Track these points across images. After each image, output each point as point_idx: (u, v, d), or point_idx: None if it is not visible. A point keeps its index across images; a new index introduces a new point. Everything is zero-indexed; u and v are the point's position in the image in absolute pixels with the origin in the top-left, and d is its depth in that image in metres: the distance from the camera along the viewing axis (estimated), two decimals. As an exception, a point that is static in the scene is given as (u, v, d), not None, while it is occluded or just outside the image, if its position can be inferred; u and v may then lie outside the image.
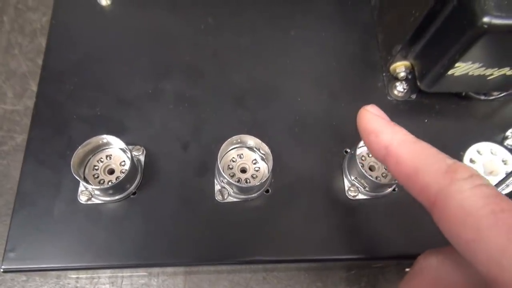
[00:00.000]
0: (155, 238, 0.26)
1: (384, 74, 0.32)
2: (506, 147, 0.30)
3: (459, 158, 0.30)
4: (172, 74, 0.31)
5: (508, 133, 0.31)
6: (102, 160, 0.27)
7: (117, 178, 0.26)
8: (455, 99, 0.32)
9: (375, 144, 0.22)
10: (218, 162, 0.26)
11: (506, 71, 0.26)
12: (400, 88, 0.31)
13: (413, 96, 0.32)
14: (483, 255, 0.16)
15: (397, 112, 0.31)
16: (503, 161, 0.30)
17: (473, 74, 0.27)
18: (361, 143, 0.27)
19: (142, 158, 0.28)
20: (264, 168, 0.28)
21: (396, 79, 0.31)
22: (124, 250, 0.26)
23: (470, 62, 0.25)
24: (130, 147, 0.28)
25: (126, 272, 0.31)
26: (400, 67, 0.31)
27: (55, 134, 0.29)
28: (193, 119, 0.30)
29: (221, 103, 0.30)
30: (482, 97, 0.31)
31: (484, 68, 0.26)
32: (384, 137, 0.21)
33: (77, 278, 0.33)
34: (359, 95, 0.32)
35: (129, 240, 0.26)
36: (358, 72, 0.33)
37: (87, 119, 0.29)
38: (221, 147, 0.26)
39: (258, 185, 0.26)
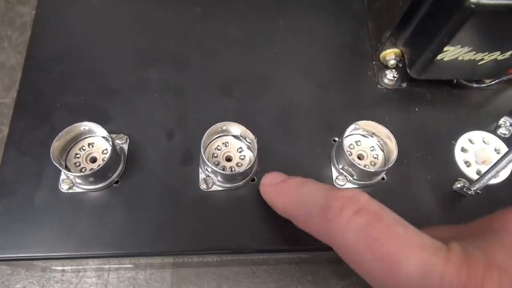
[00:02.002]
0: (138, 227, 0.25)
1: (374, 62, 0.32)
2: (499, 136, 0.30)
3: (451, 147, 0.29)
4: (158, 63, 0.31)
5: (501, 121, 0.30)
6: (84, 148, 0.27)
7: (98, 166, 0.25)
8: (447, 87, 0.31)
9: (280, 214, 0.23)
10: (202, 150, 0.25)
11: (496, 55, 0.26)
12: (390, 76, 0.30)
13: (404, 85, 0.31)
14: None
15: (387, 101, 0.31)
16: (495, 150, 0.29)
17: (463, 59, 0.26)
18: (349, 131, 0.27)
19: (125, 146, 0.27)
20: (249, 156, 0.27)
21: (386, 67, 0.31)
22: (107, 239, 0.25)
23: (459, 46, 0.25)
24: (114, 135, 0.27)
25: (113, 265, 0.31)
26: (389, 54, 0.30)
27: (38, 123, 0.28)
28: (179, 108, 0.29)
29: (208, 92, 0.30)
30: (475, 85, 0.30)
31: (474, 53, 0.25)
32: (278, 206, 0.23)
33: (63, 271, 0.33)
34: (348, 84, 0.31)
35: (112, 229, 0.25)
36: (348, 61, 0.32)
37: (71, 108, 0.29)
38: (205, 134, 0.25)
39: (242, 172, 0.25)
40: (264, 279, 0.34)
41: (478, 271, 0.15)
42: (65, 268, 0.31)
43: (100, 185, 0.26)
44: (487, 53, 0.25)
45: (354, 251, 0.18)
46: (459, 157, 0.29)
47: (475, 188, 0.26)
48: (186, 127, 0.29)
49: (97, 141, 0.27)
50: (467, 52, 0.25)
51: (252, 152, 0.27)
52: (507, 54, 0.26)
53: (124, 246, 0.25)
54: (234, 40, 0.32)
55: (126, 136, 0.28)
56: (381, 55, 0.31)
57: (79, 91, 0.29)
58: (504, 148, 0.29)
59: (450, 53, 0.25)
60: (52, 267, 0.29)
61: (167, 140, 0.28)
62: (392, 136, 0.26)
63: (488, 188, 0.28)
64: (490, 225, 0.17)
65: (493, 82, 0.30)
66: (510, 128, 0.30)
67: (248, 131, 0.26)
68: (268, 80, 0.31)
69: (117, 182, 0.26)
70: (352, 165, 0.26)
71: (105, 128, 0.26)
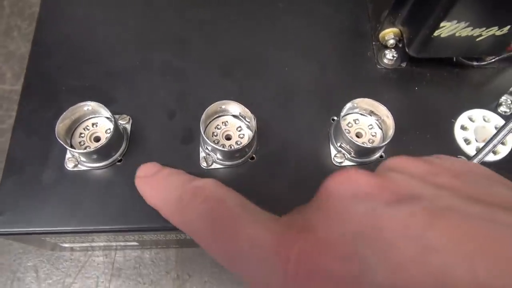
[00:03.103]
0: (140, 203, 0.26)
1: (373, 43, 0.32)
2: (500, 114, 0.29)
3: (450, 125, 0.29)
4: (159, 45, 0.31)
5: (502, 99, 0.30)
6: (88, 128, 0.27)
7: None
8: (447, 66, 0.31)
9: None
10: (201, 128, 0.26)
11: (494, 31, 0.26)
12: (389, 56, 0.31)
13: (403, 64, 0.31)
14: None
15: (387, 81, 0.31)
16: (496, 127, 0.29)
17: (460, 35, 0.26)
18: (346, 109, 0.27)
19: (128, 126, 0.28)
20: (248, 135, 0.28)
21: (386, 47, 0.31)
22: (111, 214, 0.26)
23: (456, 21, 0.25)
24: (117, 116, 0.28)
25: (120, 242, 0.32)
26: (388, 34, 0.30)
27: (45, 104, 0.29)
28: (180, 89, 0.30)
29: (208, 73, 0.31)
30: (475, 63, 0.30)
31: (471, 28, 0.25)
32: (147, 199, 0.23)
33: (71, 250, 0.34)
34: (347, 65, 0.31)
35: (116, 205, 0.26)
36: (348, 42, 0.32)
37: (76, 91, 0.30)
38: (204, 112, 0.26)
39: (240, 149, 0.26)
40: (266, 259, 0.35)
41: (291, 235, 0.15)
42: (73, 246, 0.32)
43: (103, 163, 0.27)
44: (484, 28, 0.25)
45: (201, 235, 0.19)
46: (459, 135, 0.29)
47: (472, 164, 0.26)
48: (187, 107, 0.29)
49: (100, 121, 0.28)
50: (464, 28, 0.25)
51: (251, 131, 0.27)
52: (505, 30, 0.25)
53: (127, 221, 0.26)
54: (234, 21, 0.32)
55: (128, 117, 0.28)
56: (380, 35, 0.31)
57: (84, 74, 0.30)
58: (504, 126, 0.29)
59: (447, 29, 0.25)
60: (60, 244, 0.30)
61: (169, 120, 0.29)
62: (390, 113, 0.26)
63: (488, 165, 0.28)
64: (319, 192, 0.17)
65: (493, 60, 0.30)
66: (511, 106, 0.30)
67: (247, 110, 0.27)
68: (268, 61, 0.31)
69: (120, 160, 0.27)
70: (349, 142, 0.26)
71: (108, 109, 0.27)
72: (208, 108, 0.26)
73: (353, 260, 0.13)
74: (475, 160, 0.25)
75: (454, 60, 0.30)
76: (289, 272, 0.14)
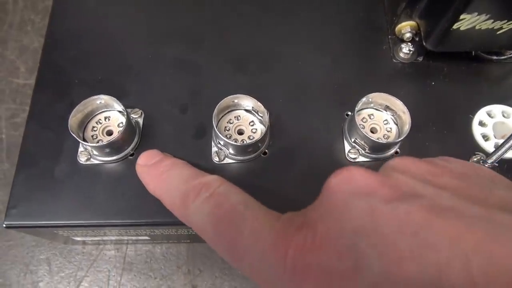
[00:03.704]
0: (152, 198, 0.26)
1: (389, 36, 0.31)
2: (519, 110, 0.29)
3: (468, 121, 0.28)
4: (172, 40, 0.31)
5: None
6: (100, 121, 0.27)
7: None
8: (465, 60, 0.30)
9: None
10: (214, 122, 0.25)
11: (517, 23, 0.25)
12: (405, 50, 0.30)
13: (420, 58, 0.30)
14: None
15: (403, 75, 0.30)
16: (516, 124, 0.28)
17: (480, 28, 0.25)
18: (361, 103, 0.26)
19: (140, 120, 0.28)
20: (261, 130, 0.27)
21: (402, 40, 0.30)
22: (123, 208, 0.26)
23: (476, 14, 0.24)
24: (129, 110, 0.28)
25: (131, 236, 0.32)
26: (405, 27, 0.30)
27: (58, 98, 0.29)
28: (192, 83, 0.30)
29: (221, 67, 0.30)
30: (494, 57, 0.29)
31: (492, 21, 0.25)
32: (150, 189, 0.23)
33: (84, 243, 0.34)
34: (362, 59, 0.31)
35: (128, 199, 0.26)
36: (363, 35, 0.32)
37: (89, 84, 0.30)
38: (217, 107, 0.26)
39: (252, 144, 0.25)
40: (277, 255, 0.34)
41: (290, 231, 0.16)
42: (86, 239, 0.32)
43: (116, 157, 0.27)
44: (506, 21, 0.25)
45: (205, 232, 0.19)
46: (477, 131, 0.28)
47: (491, 161, 0.25)
48: (199, 101, 0.29)
49: (113, 115, 0.28)
50: (484, 21, 0.25)
51: (264, 126, 0.27)
52: (527, 22, 0.25)
53: (139, 215, 0.26)
54: (247, 15, 0.32)
55: (141, 111, 0.28)
56: (397, 28, 0.30)
57: (97, 68, 0.30)
58: (524, 122, 0.28)
59: (467, 21, 0.25)
60: (73, 237, 0.30)
61: (181, 114, 0.29)
62: (406, 108, 0.26)
63: (507, 161, 0.27)
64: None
65: (510, 55, 0.29)
66: (535, 101, 0.29)
67: (260, 104, 0.26)
68: (281, 55, 0.31)
69: (132, 154, 0.27)
70: (364, 137, 0.26)
71: (121, 103, 0.27)
72: (221, 102, 0.26)
73: (350, 255, 0.13)
74: (494, 157, 0.25)
75: (473, 54, 0.29)
76: (287, 266, 0.15)
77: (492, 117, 0.28)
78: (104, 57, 0.31)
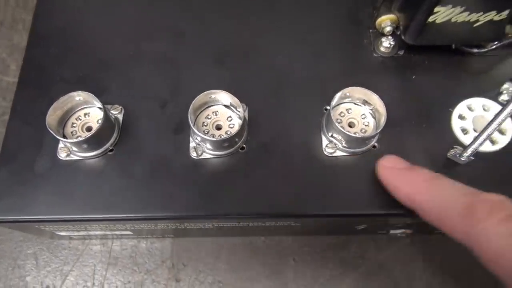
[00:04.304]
0: (131, 193, 0.26)
1: (370, 30, 0.31)
2: (500, 103, 0.28)
3: (448, 114, 0.28)
4: (153, 36, 0.31)
5: (503, 87, 0.29)
6: (80, 118, 0.28)
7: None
8: (447, 54, 0.30)
9: (399, 199, 0.23)
10: (189, 118, 0.26)
11: (492, 15, 0.25)
12: (386, 44, 0.30)
13: (401, 52, 0.30)
14: None
15: (383, 69, 0.30)
16: (496, 117, 0.28)
17: (456, 21, 0.25)
18: (337, 98, 0.26)
19: (120, 116, 0.28)
20: (238, 124, 0.27)
21: (382, 34, 0.30)
22: (102, 203, 0.26)
23: (451, 6, 0.24)
24: (109, 106, 0.28)
25: (116, 231, 0.32)
26: (385, 21, 0.29)
27: (39, 95, 0.29)
28: (173, 79, 0.30)
29: (201, 62, 0.30)
30: (475, 50, 0.29)
31: (467, 13, 0.24)
32: (403, 192, 0.23)
33: (70, 238, 0.35)
34: (343, 53, 0.31)
35: (106, 194, 0.26)
36: (345, 29, 0.32)
37: (70, 81, 0.30)
38: (193, 102, 0.26)
39: (229, 139, 0.26)
40: (262, 250, 0.35)
41: None
42: (70, 234, 0.32)
43: (95, 153, 0.27)
44: (481, 13, 0.24)
45: (503, 256, 0.18)
46: (456, 125, 0.28)
47: (466, 154, 0.25)
48: (179, 97, 0.29)
49: (92, 112, 0.28)
50: (460, 13, 0.24)
51: (241, 121, 0.27)
52: (504, 14, 0.24)
53: (117, 210, 0.26)
54: (229, 10, 0.32)
55: (121, 107, 0.29)
56: (377, 22, 0.30)
57: (78, 65, 0.30)
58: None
59: (442, 14, 0.24)
60: (57, 232, 0.31)
61: (161, 110, 0.29)
62: (382, 102, 0.26)
63: (486, 155, 0.27)
64: None
65: (494, 47, 0.28)
66: (512, 94, 0.28)
67: (236, 99, 0.26)
68: (262, 49, 0.31)
69: (111, 150, 0.28)
70: (339, 132, 0.26)
71: (101, 99, 0.27)
72: (196, 98, 0.26)
73: None
74: (470, 150, 0.25)
75: (453, 47, 0.29)
76: None
77: (472, 111, 0.28)
78: (86, 54, 0.31)
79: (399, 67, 0.30)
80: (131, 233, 0.32)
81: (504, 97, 0.28)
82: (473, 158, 0.25)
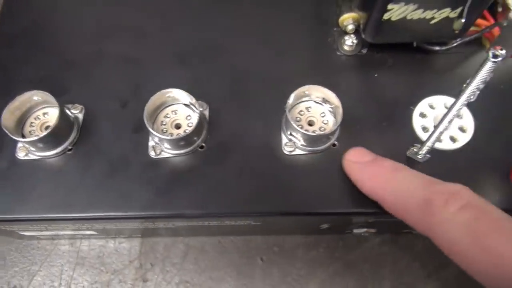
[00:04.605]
0: (89, 193, 0.26)
1: (335, 29, 0.31)
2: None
3: (409, 112, 0.28)
4: (116, 35, 0.31)
5: (465, 86, 0.28)
6: (39, 117, 0.28)
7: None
8: (410, 52, 0.30)
9: (365, 193, 0.23)
10: (145, 116, 0.25)
11: (448, 12, 0.24)
12: (348, 42, 0.30)
13: (364, 51, 0.30)
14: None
15: (345, 67, 0.30)
16: (458, 115, 0.28)
17: (412, 18, 0.25)
18: (292, 98, 0.26)
19: (80, 116, 0.28)
20: (197, 123, 0.27)
21: (346, 33, 0.30)
22: (60, 202, 0.26)
23: (403, 3, 0.24)
24: (69, 105, 0.28)
25: (81, 231, 0.32)
26: (347, 19, 0.29)
27: (1, 94, 0.29)
28: (134, 78, 0.30)
29: (164, 62, 0.30)
30: (437, 48, 0.29)
31: (422, 10, 0.24)
32: (367, 186, 0.23)
33: (38, 238, 0.35)
34: (307, 52, 0.31)
35: (64, 194, 0.26)
36: (309, 28, 0.31)
37: (32, 81, 0.30)
38: (149, 101, 0.26)
39: (186, 137, 0.25)
40: (230, 250, 0.35)
41: None
42: (36, 234, 0.32)
43: (54, 152, 0.27)
44: (436, 10, 0.24)
45: (458, 246, 0.18)
46: (417, 123, 0.28)
47: (422, 152, 0.25)
48: (140, 96, 0.29)
49: (52, 111, 0.28)
50: (414, 10, 0.24)
51: (201, 119, 0.27)
52: (459, 11, 0.24)
53: (74, 209, 0.26)
54: (191, 9, 0.32)
55: (81, 106, 0.29)
56: (340, 20, 0.30)
57: (41, 65, 0.30)
58: (467, 113, 0.28)
59: (396, 11, 0.24)
60: (21, 233, 0.31)
61: (121, 109, 0.29)
62: (338, 100, 0.26)
63: (447, 153, 0.27)
64: None
65: (455, 44, 0.28)
66: (476, 92, 0.28)
67: (192, 97, 0.26)
68: (225, 49, 0.31)
69: (70, 149, 0.27)
70: (295, 129, 0.26)
71: (63, 99, 0.27)
72: (152, 98, 0.26)
73: None
74: (425, 148, 0.24)
75: (414, 44, 0.29)
76: None
77: (433, 109, 0.28)
78: (49, 54, 0.31)
79: (361, 66, 0.30)
80: (96, 233, 0.31)
81: (466, 95, 0.28)
82: (429, 156, 0.25)
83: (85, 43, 0.31)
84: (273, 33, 0.31)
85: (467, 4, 0.22)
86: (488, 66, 0.20)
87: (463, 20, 0.23)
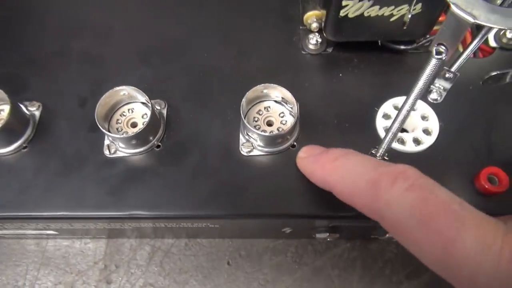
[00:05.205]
0: (41, 191, 0.26)
1: (300, 27, 0.30)
2: (428, 102, 0.27)
3: (373, 113, 0.27)
4: (81, 33, 0.31)
5: (433, 86, 0.27)
6: (-4, 114, 0.28)
7: (2, 130, 0.26)
8: (377, 52, 0.29)
9: (317, 184, 0.22)
10: (95, 114, 0.25)
11: (405, 10, 0.24)
12: (313, 41, 0.29)
13: (329, 50, 0.29)
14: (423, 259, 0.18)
15: (309, 67, 0.29)
16: (423, 117, 0.27)
17: (370, 16, 0.24)
18: (246, 97, 0.25)
19: (37, 113, 0.28)
20: (150, 122, 0.27)
21: (311, 31, 0.29)
22: (11, 201, 0.26)
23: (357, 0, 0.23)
24: (27, 102, 0.28)
25: (45, 231, 0.32)
26: (311, 17, 0.28)
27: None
28: (95, 77, 0.29)
29: (126, 60, 0.30)
30: (402, 47, 0.28)
31: (378, 7, 0.23)
32: (317, 176, 0.22)
33: (4, 238, 0.34)
34: (271, 51, 0.30)
35: (17, 192, 0.26)
36: (275, 26, 0.31)
37: (-8, 78, 0.30)
38: (101, 99, 0.25)
39: (137, 135, 0.25)
40: (196, 252, 0.34)
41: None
42: (1, 233, 0.32)
43: (8, 150, 0.27)
44: (393, 7, 0.23)
45: (405, 227, 0.18)
46: (380, 124, 0.27)
47: (378, 154, 0.24)
48: (99, 95, 0.28)
49: (7, 108, 0.28)
50: (370, 7, 0.23)
51: (155, 118, 0.26)
52: (418, 8, 0.23)
53: (26, 208, 0.26)
54: (154, 7, 0.32)
55: (39, 104, 0.28)
56: (304, 18, 0.29)
57: (2, 62, 0.30)
58: (432, 115, 0.27)
59: (352, 8, 0.24)
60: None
61: (79, 107, 0.28)
62: (294, 99, 0.25)
63: (411, 155, 0.26)
64: None
65: (420, 44, 0.27)
66: (443, 92, 0.27)
67: (143, 94, 0.26)
68: (188, 47, 0.30)
69: (25, 147, 0.27)
70: (250, 130, 0.25)
71: (22, 96, 0.27)
72: (104, 95, 0.25)
73: None
74: (380, 150, 0.23)
75: (380, 44, 0.28)
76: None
77: (398, 110, 0.27)
78: (10, 50, 0.31)
79: (326, 65, 0.29)
80: (57, 232, 0.31)
81: (433, 96, 0.27)
82: (387, 158, 0.24)
83: (47, 41, 0.31)
84: (236, 31, 0.31)
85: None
86: (433, 63, 0.19)
87: (409, 16, 0.22)
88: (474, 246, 0.16)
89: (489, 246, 0.15)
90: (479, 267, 0.15)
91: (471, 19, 0.16)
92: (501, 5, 0.17)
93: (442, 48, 0.18)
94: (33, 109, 0.28)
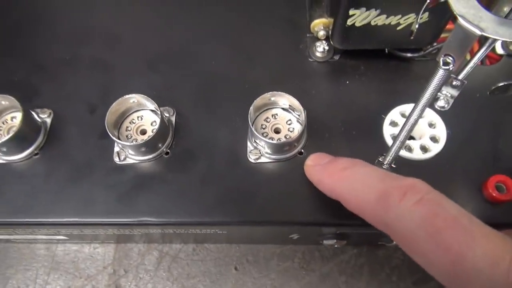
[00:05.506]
0: (53, 197, 0.26)
1: (308, 35, 0.30)
2: (436, 110, 0.27)
3: (380, 121, 0.27)
4: (90, 40, 0.32)
5: (440, 93, 0.27)
6: (7, 121, 0.28)
7: (13, 137, 0.27)
8: (384, 59, 0.29)
9: (325, 193, 0.23)
10: (106, 120, 0.25)
11: (412, 19, 0.24)
12: (320, 49, 0.29)
13: (336, 57, 0.29)
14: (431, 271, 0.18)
15: (316, 74, 0.29)
16: (430, 124, 0.27)
17: (377, 24, 0.24)
18: (253, 105, 0.26)
19: (48, 120, 0.28)
20: (160, 129, 0.27)
21: (318, 39, 0.29)
22: (23, 207, 0.26)
23: (365, 9, 0.23)
24: (38, 109, 0.29)
25: (55, 236, 0.32)
26: (318, 25, 0.29)
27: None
28: (105, 84, 0.30)
29: (135, 67, 0.30)
30: (409, 55, 0.28)
31: (385, 16, 0.24)
32: (325, 185, 0.22)
33: (12, 242, 0.35)
34: (279, 58, 0.30)
35: (28, 198, 0.26)
36: (283, 34, 0.31)
37: (4, 85, 0.30)
38: (112, 106, 0.26)
39: (146, 143, 0.25)
40: (203, 257, 0.34)
41: None
42: (12, 238, 0.33)
43: (20, 157, 0.27)
44: (400, 16, 0.24)
45: (414, 240, 0.18)
46: (387, 132, 0.27)
47: (387, 162, 0.24)
48: (109, 102, 0.29)
49: (20, 116, 0.28)
50: (377, 16, 0.24)
51: (164, 125, 0.27)
52: (425, 17, 0.23)
53: (37, 214, 0.26)
54: (163, 15, 0.32)
55: (50, 111, 0.29)
56: (311, 26, 0.29)
57: (14, 69, 0.31)
58: (439, 123, 0.27)
59: (359, 17, 0.24)
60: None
61: (90, 114, 0.29)
62: (302, 107, 0.25)
63: (419, 163, 0.26)
64: None
65: (427, 51, 0.27)
66: (450, 100, 0.27)
67: (153, 102, 0.26)
68: (196, 55, 0.31)
69: (36, 154, 0.28)
70: (257, 137, 0.25)
71: (33, 104, 0.28)
72: (114, 103, 0.26)
73: None
74: (388, 157, 0.24)
75: (386, 51, 0.28)
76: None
77: (405, 117, 0.27)
78: (21, 58, 0.31)
79: (333, 72, 0.29)
80: (67, 237, 0.32)
81: (440, 103, 0.27)
82: (395, 166, 0.24)
83: (57, 48, 0.31)
84: (244, 38, 0.31)
85: (422, 9, 0.21)
86: (440, 74, 0.19)
87: (417, 26, 0.23)
88: (483, 261, 0.16)
89: (499, 260, 0.16)
90: (489, 282, 0.16)
91: (478, 32, 0.16)
92: (506, 17, 0.17)
93: (449, 59, 0.18)
94: (44, 116, 0.28)
